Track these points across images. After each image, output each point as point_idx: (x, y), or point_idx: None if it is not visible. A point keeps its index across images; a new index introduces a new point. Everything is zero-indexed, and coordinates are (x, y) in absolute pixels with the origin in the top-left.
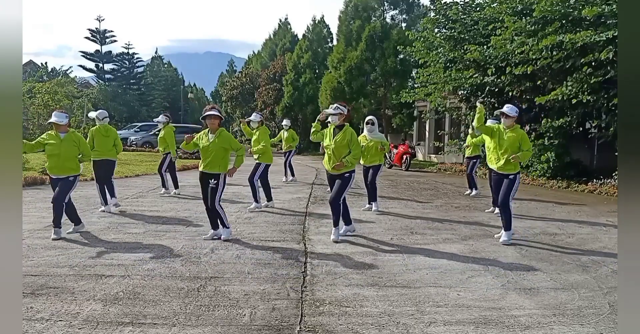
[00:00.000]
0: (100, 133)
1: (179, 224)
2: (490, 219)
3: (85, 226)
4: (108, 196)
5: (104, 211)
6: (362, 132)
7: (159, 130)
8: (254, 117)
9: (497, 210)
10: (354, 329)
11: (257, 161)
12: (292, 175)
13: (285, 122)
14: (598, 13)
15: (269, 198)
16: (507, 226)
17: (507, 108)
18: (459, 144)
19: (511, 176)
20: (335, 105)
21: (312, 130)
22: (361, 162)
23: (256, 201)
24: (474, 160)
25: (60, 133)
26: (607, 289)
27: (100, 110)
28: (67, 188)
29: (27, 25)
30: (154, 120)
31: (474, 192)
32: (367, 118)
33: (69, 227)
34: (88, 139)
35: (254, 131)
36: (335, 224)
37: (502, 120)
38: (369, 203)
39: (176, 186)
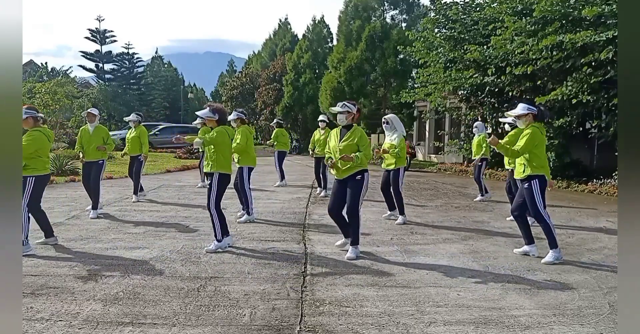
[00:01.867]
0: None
1: (179, 224)
2: (490, 219)
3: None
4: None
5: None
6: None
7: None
8: (233, 115)
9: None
10: (354, 329)
11: (237, 164)
12: (282, 178)
13: (274, 121)
14: (598, 13)
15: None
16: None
17: (517, 108)
18: (459, 144)
19: (526, 185)
20: (342, 102)
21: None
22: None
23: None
24: (479, 163)
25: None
26: (607, 289)
27: (93, 108)
28: (24, 190)
29: (27, 25)
30: (124, 118)
31: (479, 197)
32: (384, 116)
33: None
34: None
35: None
36: (353, 241)
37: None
38: (390, 211)
39: (139, 191)
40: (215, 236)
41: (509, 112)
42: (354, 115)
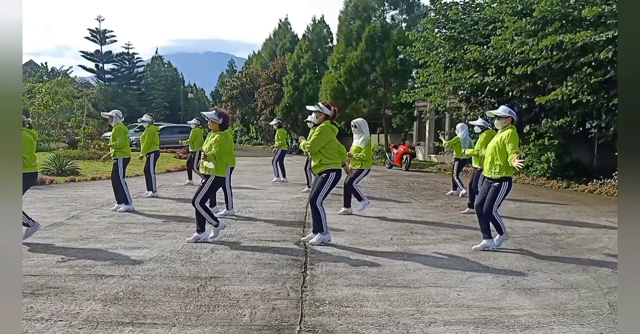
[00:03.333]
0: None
1: (179, 224)
2: None
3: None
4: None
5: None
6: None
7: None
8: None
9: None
10: (354, 329)
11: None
12: (284, 175)
13: (273, 121)
14: (598, 13)
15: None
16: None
17: (499, 109)
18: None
19: (495, 184)
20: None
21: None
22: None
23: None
24: (456, 162)
25: None
26: (607, 289)
27: (115, 110)
28: None
29: (27, 25)
30: (138, 119)
31: (461, 192)
32: (353, 120)
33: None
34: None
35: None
36: (315, 229)
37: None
38: (345, 207)
39: (150, 189)
40: (210, 223)
41: (491, 111)
42: (325, 115)
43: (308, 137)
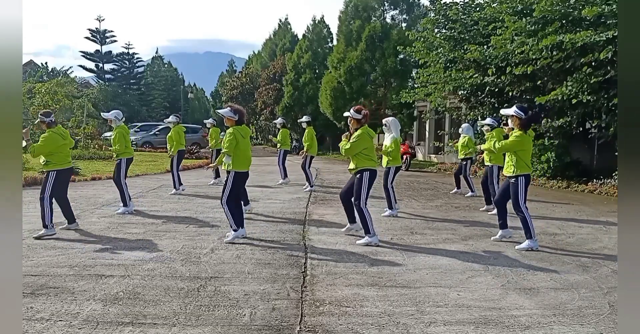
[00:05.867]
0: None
1: (179, 224)
2: (490, 219)
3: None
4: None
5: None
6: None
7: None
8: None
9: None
10: (354, 329)
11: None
12: (285, 176)
13: (278, 120)
14: (598, 13)
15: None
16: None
17: (511, 108)
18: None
19: (512, 180)
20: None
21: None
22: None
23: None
24: (464, 162)
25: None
26: (607, 289)
27: (115, 111)
28: (45, 183)
29: (27, 25)
30: (164, 120)
31: (470, 193)
32: (384, 119)
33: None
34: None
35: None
36: (365, 231)
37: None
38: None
39: (176, 187)
40: (231, 226)
41: (503, 110)
42: (356, 120)
43: (349, 140)
